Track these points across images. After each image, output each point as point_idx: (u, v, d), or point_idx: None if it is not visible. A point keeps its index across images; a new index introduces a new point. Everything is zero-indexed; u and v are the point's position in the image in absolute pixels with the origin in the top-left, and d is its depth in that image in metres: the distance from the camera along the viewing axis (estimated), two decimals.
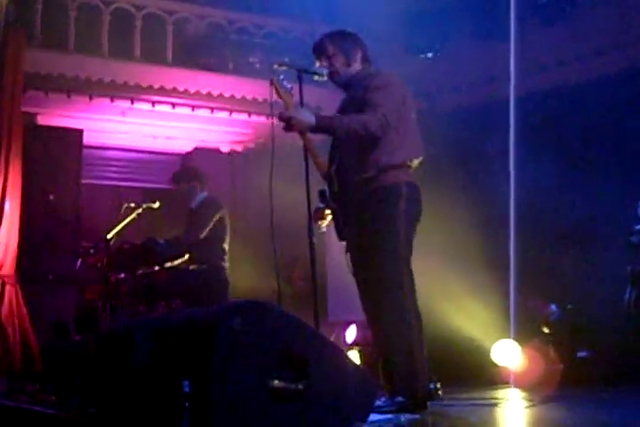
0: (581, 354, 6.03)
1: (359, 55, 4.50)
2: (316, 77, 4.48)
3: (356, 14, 8.13)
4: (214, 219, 6.65)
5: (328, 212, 4.51)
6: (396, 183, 4.28)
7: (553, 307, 6.69)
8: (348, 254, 4.44)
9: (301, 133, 4.29)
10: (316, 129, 4.24)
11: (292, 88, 4.38)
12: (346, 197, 4.35)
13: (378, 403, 3.93)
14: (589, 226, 7.35)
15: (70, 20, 8.73)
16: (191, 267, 6.51)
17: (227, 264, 6.70)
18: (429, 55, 9.02)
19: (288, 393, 3.17)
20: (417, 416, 3.90)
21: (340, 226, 4.44)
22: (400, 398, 4.09)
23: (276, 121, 4.29)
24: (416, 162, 4.39)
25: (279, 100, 4.36)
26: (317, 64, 4.49)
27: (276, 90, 4.35)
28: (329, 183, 4.42)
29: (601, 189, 7.27)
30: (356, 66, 4.49)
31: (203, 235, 6.56)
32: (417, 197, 4.36)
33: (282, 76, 4.38)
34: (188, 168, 7.75)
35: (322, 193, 4.44)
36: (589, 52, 8.01)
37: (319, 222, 4.56)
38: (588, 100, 7.62)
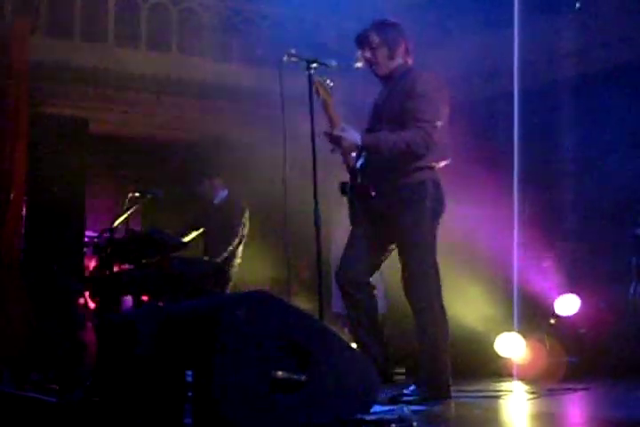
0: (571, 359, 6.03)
1: (402, 47, 4.46)
2: (327, 67, 4.47)
3: (363, 4, 8.12)
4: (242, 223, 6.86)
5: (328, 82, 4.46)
6: (422, 181, 4.30)
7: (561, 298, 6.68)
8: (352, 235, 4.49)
9: (343, 155, 4.37)
10: (361, 149, 4.31)
11: (331, 86, 4.41)
12: (369, 193, 4.36)
13: (404, 391, 4.13)
14: (595, 219, 7.33)
15: (76, 8, 8.71)
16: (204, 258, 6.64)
17: (238, 261, 6.83)
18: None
19: (291, 384, 3.16)
20: (421, 408, 3.91)
21: (354, 213, 4.47)
22: (424, 389, 4.20)
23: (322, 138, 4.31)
24: (443, 163, 4.43)
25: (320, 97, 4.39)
26: (359, 54, 4.46)
27: (317, 88, 4.38)
28: (352, 177, 4.43)
29: (605, 184, 7.26)
30: (399, 58, 4.46)
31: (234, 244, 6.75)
32: (441, 195, 4.41)
33: (324, 78, 4.40)
34: (208, 165, 7.84)
35: (343, 185, 4.46)
36: (596, 44, 7.97)
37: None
38: (593, 94, 7.59)
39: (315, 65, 4.41)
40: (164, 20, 9.20)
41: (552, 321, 6.34)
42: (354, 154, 4.46)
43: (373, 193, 4.33)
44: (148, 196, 6.63)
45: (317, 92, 4.38)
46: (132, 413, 3.47)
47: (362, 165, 4.42)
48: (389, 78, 4.47)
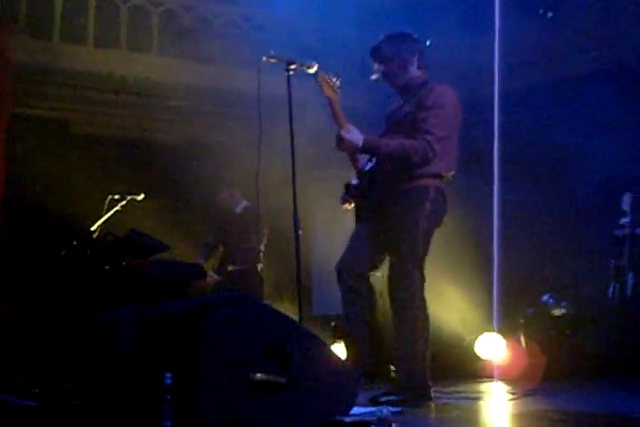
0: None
1: (416, 58, 4.54)
2: (307, 70, 4.49)
3: (343, 7, 8.13)
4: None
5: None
6: (425, 186, 4.41)
7: (544, 298, 6.71)
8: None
9: (350, 156, 4.51)
10: (362, 150, 4.41)
11: (340, 85, 4.47)
12: (374, 194, 4.50)
13: (384, 391, 4.19)
14: (573, 221, 7.37)
15: (56, 9, 8.68)
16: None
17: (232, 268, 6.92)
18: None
19: (270, 386, 3.17)
20: (400, 409, 3.92)
21: (359, 210, 4.58)
22: (404, 389, 4.23)
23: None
24: (450, 174, 4.52)
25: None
26: (375, 67, 4.55)
27: (321, 84, 4.44)
28: (359, 179, 4.55)
29: (585, 185, 7.31)
30: (413, 69, 4.54)
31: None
32: (443, 202, 4.51)
33: (331, 74, 4.47)
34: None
35: (347, 186, 4.57)
36: (573, 50, 8.03)
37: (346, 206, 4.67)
38: (571, 97, 7.64)
39: (294, 66, 4.43)
40: (144, 22, 9.17)
41: (521, 321, 6.36)
42: (363, 158, 4.57)
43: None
44: (128, 198, 6.63)
45: (321, 88, 4.45)
46: (112, 416, 3.46)
47: (370, 168, 4.51)
48: (406, 89, 4.56)
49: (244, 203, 7.18)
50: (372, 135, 4.47)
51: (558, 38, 7.99)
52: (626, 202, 6.35)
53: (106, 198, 6.66)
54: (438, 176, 4.45)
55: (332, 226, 8.93)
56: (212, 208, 7.50)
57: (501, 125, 7.43)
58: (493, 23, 7.55)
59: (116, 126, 9.28)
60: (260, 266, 6.97)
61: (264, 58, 4.42)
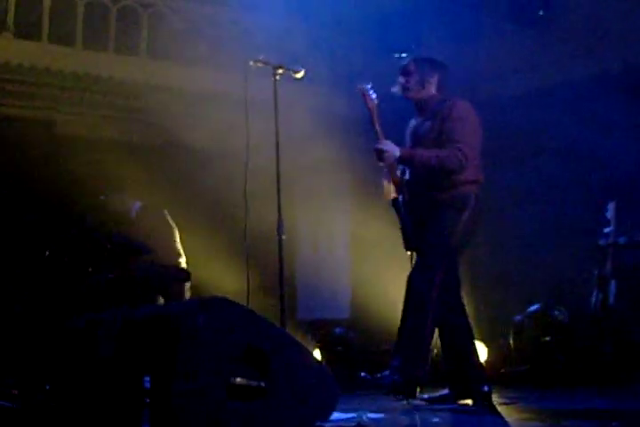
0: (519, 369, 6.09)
1: (435, 79, 4.77)
2: (294, 74, 4.52)
3: (334, 12, 8.14)
4: None
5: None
6: (466, 194, 4.59)
7: (533, 307, 6.73)
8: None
9: (389, 166, 4.67)
10: (400, 161, 4.63)
11: (376, 97, 4.67)
12: (416, 205, 4.65)
13: (377, 375, 4.39)
14: (556, 230, 7.39)
15: (44, 10, 8.65)
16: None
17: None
18: (403, 55, 9.03)
19: (250, 391, 3.16)
20: (380, 415, 3.92)
21: (406, 235, 4.70)
22: (396, 377, 4.37)
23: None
24: (482, 179, 4.67)
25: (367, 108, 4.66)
26: (399, 80, 4.77)
27: (364, 97, 4.64)
28: (401, 192, 4.70)
29: (570, 193, 7.34)
30: (431, 89, 4.77)
31: None
32: (481, 212, 4.66)
33: (369, 86, 4.68)
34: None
35: (394, 201, 4.72)
36: (563, 57, 8.06)
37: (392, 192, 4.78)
38: (559, 105, 7.68)
39: (281, 71, 4.45)
40: (132, 24, 9.15)
41: (509, 328, 6.38)
42: (399, 169, 4.73)
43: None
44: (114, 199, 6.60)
45: (365, 101, 4.65)
46: (91, 418, 3.45)
47: (408, 180, 4.68)
48: (424, 107, 4.76)
49: (138, 205, 7.02)
50: (406, 148, 4.68)
51: (546, 46, 8.03)
52: (610, 211, 6.38)
53: (91, 200, 6.63)
54: (476, 182, 4.63)
55: (318, 230, 8.95)
56: (195, 209, 7.42)
57: (489, 134, 7.45)
58: (482, 30, 7.58)
59: (103, 128, 9.25)
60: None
61: (251, 62, 4.45)
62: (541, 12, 8.19)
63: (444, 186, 4.59)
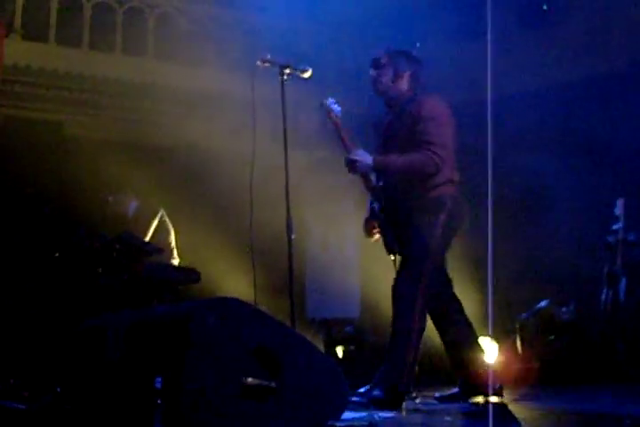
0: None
1: (408, 74, 4.66)
2: (301, 74, 4.50)
3: (339, 12, 8.14)
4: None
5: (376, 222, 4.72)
6: (441, 196, 4.51)
7: (542, 304, 6.71)
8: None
9: (362, 175, 4.63)
10: (373, 169, 4.57)
11: (340, 110, 4.63)
12: (392, 210, 4.59)
13: (358, 391, 4.18)
14: (565, 227, 7.38)
15: (51, 12, 8.68)
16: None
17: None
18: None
19: (261, 391, 3.16)
20: (391, 414, 3.91)
21: (386, 241, 4.64)
22: (377, 392, 4.22)
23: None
24: (457, 178, 4.60)
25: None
26: (371, 73, 4.68)
27: (328, 113, 4.62)
28: (377, 199, 4.65)
29: (577, 190, 7.32)
30: (402, 84, 4.65)
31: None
32: (460, 212, 4.59)
33: (332, 100, 4.64)
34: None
35: (371, 209, 4.69)
36: (568, 57, 8.04)
37: (372, 233, 4.75)
38: (566, 104, 7.66)
39: (288, 71, 4.44)
40: (139, 25, 9.17)
41: (516, 325, 6.37)
42: (373, 176, 4.67)
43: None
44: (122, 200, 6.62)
45: (329, 115, 4.61)
46: (102, 420, 3.45)
47: (383, 186, 4.62)
48: (395, 103, 4.66)
49: (135, 205, 7.04)
50: (378, 155, 4.59)
51: (552, 44, 8.01)
52: (619, 208, 6.36)
53: (99, 201, 6.65)
54: (450, 182, 4.55)
55: (328, 230, 8.94)
56: (204, 210, 7.41)
57: (493, 131, 7.43)
58: (486, 28, 7.55)
59: (110, 129, 9.26)
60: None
61: (258, 62, 4.44)
62: (545, 7, 8.15)
63: (418, 191, 4.52)
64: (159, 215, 6.86)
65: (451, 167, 4.56)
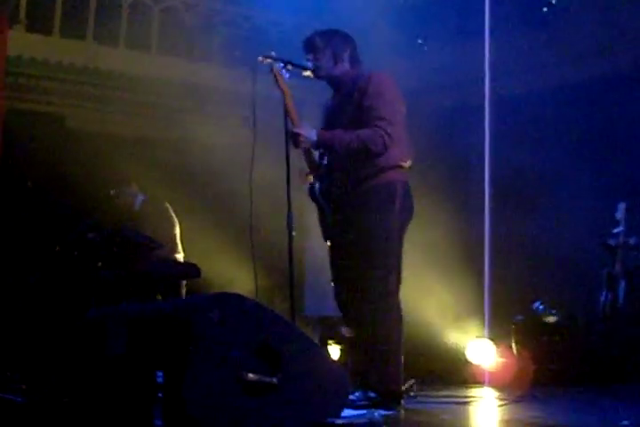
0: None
1: (347, 54, 4.44)
2: (302, 72, 4.47)
3: (344, 9, 8.13)
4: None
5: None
6: (391, 182, 4.27)
7: (535, 305, 6.71)
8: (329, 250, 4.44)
9: (304, 151, 4.37)
10: (317, 146, 4.31)
11: (289, 77, 4.34)
12: (336, 194, 4.33)
13: (351, 397, 3.90)
14: (564, 229, 7.39)
15: (57, 3, 8.67)
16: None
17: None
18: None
19: (262, 386, 3.16)
20: (391, 412, 3.91)
21: (326, 225, 4.43)
22: (372, 394, 4.11)
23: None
24: (409, 163, 4.37)
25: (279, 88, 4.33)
26: (305, 58, 4.43)
27: (276, 78, 4.32)
28: (319, 178, 4.39)
29: (577, 193, 7.33)
30: (344, 65, 4.43)
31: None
32: (410, 198, 4.37)
33: (281, 65, 4.33)
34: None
35: (311, 189, 4.42)
36: (569, 57, 8.04)
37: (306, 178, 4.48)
38: (566, 105, 7.66)
39: (290, 67, 4.40)
40: (144, 19, 9.17)
41: (512, 327, 6.37)
42: (316, 152, 4.43)
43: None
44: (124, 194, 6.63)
45: (277, 81, 4.33)
46: (102, 413, 3.46)
47: (326, 164, 4.38)
48: (340, 84, 4.46)
49: (141, 199, 6.98)
50: (324, 131, 4.34)
51: (554, 44, 8.01)
52: (620, 211, 6.37)
53: (101, 194, 6.65)
54: (400, 168, 4.31)
55: None
56: (204, 204, 7.41)
57: (492, 131, 7.45)
58: (484, 29, 7.57)
59: (114, 123, 9.27)
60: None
61: (260, 58, 4.39)
62: (545, 9, 8.15)
63: (367, 172, 4.25)
64: (164, 209, 6.86)
65: (401, 149, 4.30)
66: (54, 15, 8.65)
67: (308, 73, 4.45)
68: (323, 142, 4.28)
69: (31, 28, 8.52)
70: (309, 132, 4.27)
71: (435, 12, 8.60)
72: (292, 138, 4.27)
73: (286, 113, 4.32)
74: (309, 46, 4.44)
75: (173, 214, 6.88)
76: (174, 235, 6.81)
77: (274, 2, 8.95)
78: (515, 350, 6.16)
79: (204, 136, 9.24)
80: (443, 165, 7.87)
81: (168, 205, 6.90)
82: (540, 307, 6.63)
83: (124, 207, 6.87)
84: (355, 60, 4.47)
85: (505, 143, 7.52)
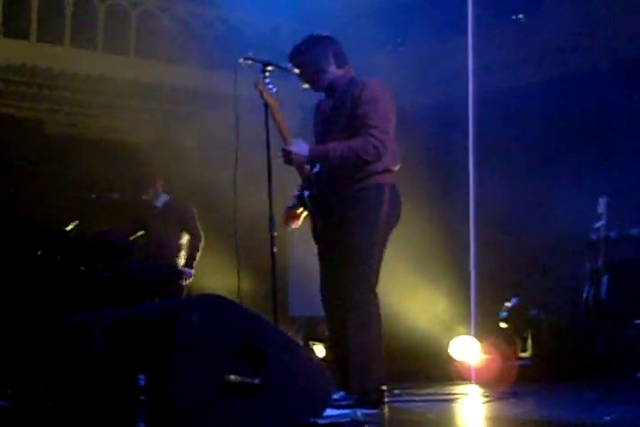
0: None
1: (332, 58, 4.45)
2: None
3: (320, 9, 8.13)
4: None
5: (300, 211, 4.46)
6: (380, 185, 4.31)
7: (513, 301, 6.73)
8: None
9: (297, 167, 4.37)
10: (310, 161, 4.32)
11: (276, 91, 4.37)
12: (326, 200, 4.36)
13: (335, 397, 3.91)
14: (546, 225, 7.40)
15: (32, 9, 8.63)
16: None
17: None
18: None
19: (244, 388, 3.16)
20: (374, 411, 3.91)
21: (317, 229, 4.45)
22: (355, 394, 4.11)
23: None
24: (397, 168, 4.42)
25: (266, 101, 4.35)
26: (296, 72, 4.44)
27: (261, 92, 4.35)
28: (308, 186, 4.40)
29: (559, 189, 7.35)
30: (333, 69, 4.45)
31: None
32: (398, 200, 4.40)
33: (267, 80, 4.37)
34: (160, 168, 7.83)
35: (299, 197, 4.42)
36: (550, 52, 8.07)
37: (291, 222, 4.50)
38: (547, 100, 7.68)
39: (270, 68, 4.40)
40: (122, 23, 9.14)
41: (499, 324, 6.39)
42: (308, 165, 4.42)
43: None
44: (104, 198, 6.61)
45: (262, 96, 4.35)
46: (86, 417, 3.45)
47: (317, 172, 4.38)
48: (332, 89, 4.47)
49: (166, 197, 7.11)
50: (316, 145, 4.38)
51: (534, 40, 8.03)
52: (601, 205, 6.38)
53: (81, 198, 6.63)
54: (389, 171, 4.35)
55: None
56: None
57: (476, 126, 7.46)
58: (467, 24, 7.58)
59: (92, 127, 9.24)
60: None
61: (240, 59, 4.39)
62: (521, 16, 8.21)
63: (355, 178, 4.27)
64: (186, 208, 7.03)
65: (392, 155, 4.33)
66: (30, 20, 8.61)
67: (287, 71, 4.45)
68: (316, 158, 4.31)
69: (7, 34, 8.48)
70: (300, 148, 4.28)
71: (416, 8, 8.60)
72: (284, 156, 4.30)
73: (275, 125, 4.33)
74: (293, 63, 4.47)
75: (195, 216, 7.03)
76: (181, 239, 6.97)
77: (251, 3, 8.93)
78: (499, 347, 6.18)
79: (184, 138, 9.23)
80: (427, 159, 7.85)
81: (191, 205, 7.08)
82: (519, 303, 6.66)
83: (148, 205, 6.96)
84: (341, 60, 4.49)
85: (488, 141, 7.53)
